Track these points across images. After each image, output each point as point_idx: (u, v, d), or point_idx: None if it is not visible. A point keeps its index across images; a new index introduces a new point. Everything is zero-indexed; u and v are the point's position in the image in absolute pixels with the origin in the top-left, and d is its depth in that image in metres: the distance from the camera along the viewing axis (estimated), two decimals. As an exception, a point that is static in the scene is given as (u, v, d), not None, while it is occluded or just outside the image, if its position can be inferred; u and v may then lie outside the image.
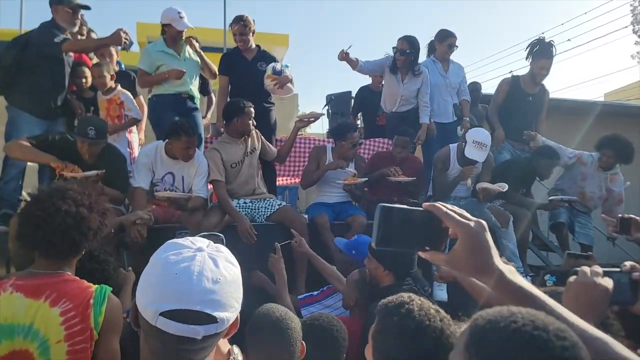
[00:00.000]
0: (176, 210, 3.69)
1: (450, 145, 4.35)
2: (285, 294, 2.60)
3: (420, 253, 0.90)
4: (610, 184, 4.65)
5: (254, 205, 3.87)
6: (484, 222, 0.86)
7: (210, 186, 3.90)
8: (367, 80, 5.76)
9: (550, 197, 4.51)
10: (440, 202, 0.88)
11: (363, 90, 5.75)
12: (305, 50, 67.20)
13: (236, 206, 3.75)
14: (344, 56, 4.63)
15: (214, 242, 1.03)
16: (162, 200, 3.60)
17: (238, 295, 0.98)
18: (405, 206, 0.89)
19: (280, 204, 3.94)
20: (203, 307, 0.91)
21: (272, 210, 3.85)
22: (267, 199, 3.96)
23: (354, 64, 4.76)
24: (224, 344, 1.20)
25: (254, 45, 4.51)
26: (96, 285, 1.72)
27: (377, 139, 5.23)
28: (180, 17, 4.19)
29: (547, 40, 4.69)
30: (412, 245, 0.91)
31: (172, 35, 4.23)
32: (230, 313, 0.95)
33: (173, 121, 3.71)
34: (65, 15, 3.87)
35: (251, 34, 4.43)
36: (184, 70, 4.15)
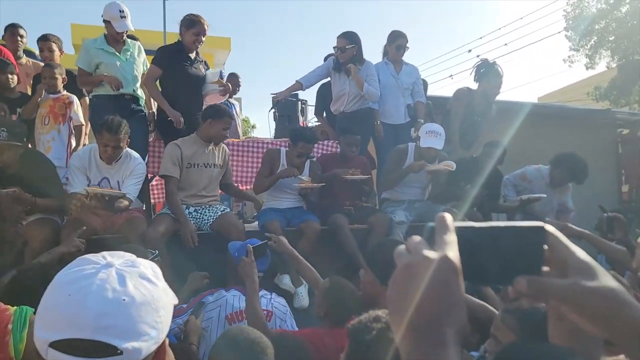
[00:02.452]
0: (117, 219, 3.41)
1: (410, 143, 4.30)
2: (257, 302, 2.28)
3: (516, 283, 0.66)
4: (562, 197, 4.65)
5: (198, 214, 3.70)
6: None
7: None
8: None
9: (520, 196, 4.45)
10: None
11: (325, 86, 5.42)
12: (248, 53, 66.55)
13: None
14: (283, 96, 4.76)
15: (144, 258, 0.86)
16: (91, 197, 3.17)
17: (154, 320, 0.79)
18: (485, 224, 0.65)
19: (224, 210, 3.79)
20: (99, 336, 0.73)
21: (215, 218, 3.67)
22: (212, 205, 3.78)
23: (298, 87, 4.79)
24: None
25: None
26: (15, 308, 1.49)
27: (323, 141, 5.11)
28: (122, 17, 3.95)
29: (491, 61, 4.68)
30: (509, 274, 0.64)
31: (112, 34, 4.00)
32: (142, 342, 0.76)
33: (105, 117, 3.39)
34: None
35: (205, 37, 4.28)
36: (121, 82, 3.94)
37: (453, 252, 0.57)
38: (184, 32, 4.16)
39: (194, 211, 3.70)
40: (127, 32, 4.04)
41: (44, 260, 2.57)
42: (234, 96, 6.17)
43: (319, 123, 5.96)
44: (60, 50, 4.45)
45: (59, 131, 4.05)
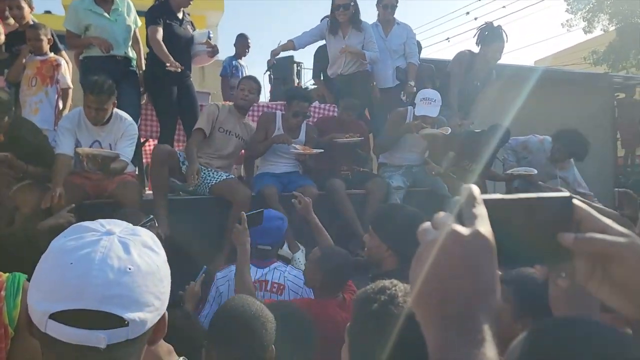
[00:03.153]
0: (108, 184, 3.33)
1: (409, 107, 4.20)
2: (247, 272, 2.25)
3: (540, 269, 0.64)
4: (560, 171, 4.57)
5: (202, 174, 3.61)
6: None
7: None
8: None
9: (511, 170, 4.36)
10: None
11: (322, 49, 5.24)
12: (242, 14, 65.01)
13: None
14: (276, 53, 4.75)
15: (141, 225, 0.81)
16: (84, 158, 3.10)
17: (159, 290, 0.76)
18: (514, 196, 0.58)
19: (229, 176, 3.74)
20: (105, 306, 0.69)
21: (216, 181, 3.60)
22: (218, 171, 3.74)
23: (291, 46, 4.73)
24: (167, 355, 0.98)
25: None
26: (6, 274, 1.45)
27: (322, 105, 5.01)
28: None
29: (495, 25, 4.54)
30: (540, 256, 0.61)
31: None
32: (147, 313, 0.73)
33: (90, 78, 3.26)
34: None
35: None
36: (111, 44, 3.81)
37: (485, 227, 0.51)
38: None
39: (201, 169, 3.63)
40: None
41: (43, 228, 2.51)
42: (243, 58, 6.05)
43: (316, 86, 5.84)
44: (30, 6, 4.18)
45: (46, 93, 3.92)
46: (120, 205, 3.14)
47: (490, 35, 4.49)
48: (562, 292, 0.71)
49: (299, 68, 6.67)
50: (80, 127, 3.31)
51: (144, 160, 4.67)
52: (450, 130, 3.92)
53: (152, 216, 2.60)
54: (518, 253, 0.57)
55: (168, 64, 3.81)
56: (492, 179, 4.72)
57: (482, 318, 0.47)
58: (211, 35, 4.33)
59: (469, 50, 4.70)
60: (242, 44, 6.02)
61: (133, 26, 4.07)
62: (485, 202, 0.54)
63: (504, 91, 4.60)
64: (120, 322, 0.70)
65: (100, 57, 3.83)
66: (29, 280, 1.44)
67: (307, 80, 7.64)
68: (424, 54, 5.58)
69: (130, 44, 4.07)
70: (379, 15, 4.93)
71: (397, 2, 4.88)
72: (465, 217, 0.52)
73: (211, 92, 6.14)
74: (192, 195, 3.72)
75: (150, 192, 3.73)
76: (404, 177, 4.05)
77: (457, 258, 0.49)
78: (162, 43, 3.89)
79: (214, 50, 4.27)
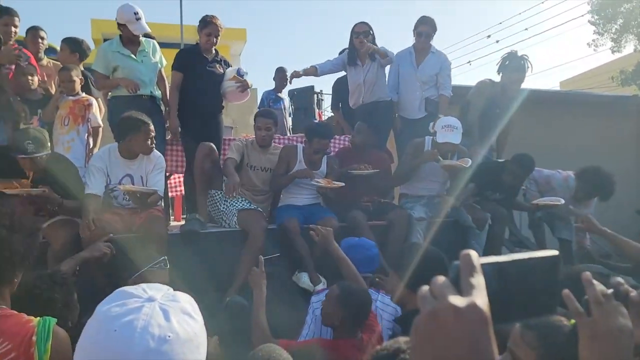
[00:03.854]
0: (137, 219, 3.45)
1: (427, 137, 4.20)
2: (262, 315, 2.27)
3: None
4: (586, 209, 4.42)
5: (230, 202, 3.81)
6: None
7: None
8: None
9: (537, 200, 4.29)
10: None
11: (340, 81, 5.36)
12: (263, 43, 66.38)
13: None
14: (298, 75, 4.69)
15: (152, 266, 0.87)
16: (126, 194, 3.38)
17: (195, 357, 0.79)
18: (507, 257, 0.62)
19: (254, 207, 3.84)
20: None
21: (242, 207, 3.75)
22: (250, 201, 3.91)
23: (313, 72, 4.74)
24: None
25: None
26: (37, 319, 1.50)
27: (337, 136, 5.03)
28: (137, 19, 3.99)
29: (519, 54, 4.51)
30: (530, 312, 0.64)
31: (127, 36, 4.05)
32: None
33: (125, 116, 3.46)
34: None
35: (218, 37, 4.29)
36: (138, 84, 3.99)
37: (481, 299, 0.52)
38: (199, 32, 4.22)
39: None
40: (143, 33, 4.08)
41: (66, 268, 2.59)
42: (282, 90, 6.22)
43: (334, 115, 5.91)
44: (15, 25, 4.30)
45: (78, 132, 4.10)
46: (145, 239, 3.25)
47: (511, 65, 4.46)
48: (594, 345, 0.78)
49: (319, 97, 6.77)
50: (112, 163, 3.46)
51: (169, 194, 4.80)
52: (470, 162, 3.90)
53: (164, 257, 2.65)
54: (510, 309, 0.60)
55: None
56: (517, 209, 4.66)
57: None
58: (243, 72, 4.33)
59: (490, 80, 4.69)
60: (279, 76, 6.19)
61: (158, 66, 4.26)
62: (482, 266, 0.57)
63: (527, 118, 4.56)
64: None
65: (127, 96, 4.00)
66: (58, 324, 1.51)
67: (326, 106, 7.72)
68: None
69: (155, 82, 4.24)
70: (414, 42, 4.84)
71: (434, 31, 4.77)
72: (463, 286, 0.54)
73: (233, 126, 6.28)
74: (217, 228, 3.82)
75: (176, 223, 3.85)
76: (426, 208, 4.04)
77: (453, 331, 0.51)
78: (174, 89, 4.18)
79: (243, 86, 4.29)
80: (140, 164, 3.53)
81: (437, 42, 4.96)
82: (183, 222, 4.03)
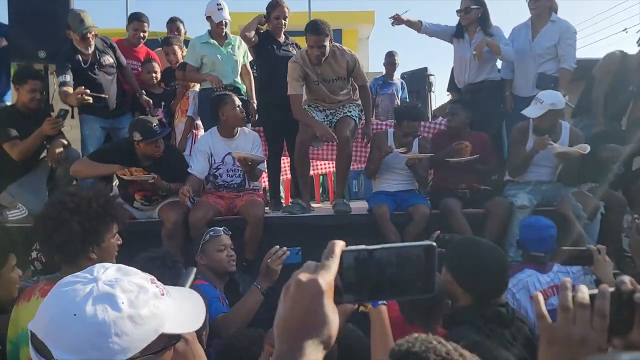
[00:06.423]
0: (238, 202, 3.72)
1: (532, 118, 3.79)
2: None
3: None
4: None
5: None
6: None
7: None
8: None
9: None
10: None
11: None
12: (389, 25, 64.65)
13: None
14: (400, 21, 4.42)
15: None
16: (237, 160, 3.66)
17: (101, 344, 0.82)
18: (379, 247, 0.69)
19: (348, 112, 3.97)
20: (46, 339, 0.84)
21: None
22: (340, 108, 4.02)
23: (417, 26, 4.50)
24: None
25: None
26: None
27: (435, 120, 4.84)
28: (219, 9, 4.25)
29: None
30: (409, 292, 0.72)
31: (214, 29, 4.33)
32: (78, 358, 0.82)
33: (212, 97, 3.80)
34: (77, 41, 3.99)
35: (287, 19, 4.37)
36: (220, 80, 4.19)
37: (324, 277, 0.65)
38: (268, 16, 4.31)
39: (325, 116, 3.96)
40: (225, 23, 4.28)
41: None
42: (393, 75, 6.21)
43: (450, 97, 5.65)
44: (181, 48, 4.77)
45: (183, 123, 4.55)
46: (246, 220, 3.53)
47: None
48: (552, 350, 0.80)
49: (431, 78, 6.52)
50: (215, 143, 3.78)
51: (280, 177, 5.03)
52: (588, 149, 3.47)
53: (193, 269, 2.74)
54: (384, 289, 0.69)
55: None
56: None
57: (308, 342, 0.63)
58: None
59: (621, 51, 4.09)
60: (389, 61, 6.18)
61: (242, 59, 4.47)
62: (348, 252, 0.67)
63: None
64: (51, 357, 0.82)
65: (213, 88, 4.22)
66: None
67: (440, 90, 7.40)
68: (598, 47, 4.97)
69: (239, 74, 4.46)
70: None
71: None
72: (317, 266, 0.67)
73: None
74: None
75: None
76: (531, 195, 3.66)
77: (294, 297, 0.65)
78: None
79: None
80: (240, 142, 3.80)
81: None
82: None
